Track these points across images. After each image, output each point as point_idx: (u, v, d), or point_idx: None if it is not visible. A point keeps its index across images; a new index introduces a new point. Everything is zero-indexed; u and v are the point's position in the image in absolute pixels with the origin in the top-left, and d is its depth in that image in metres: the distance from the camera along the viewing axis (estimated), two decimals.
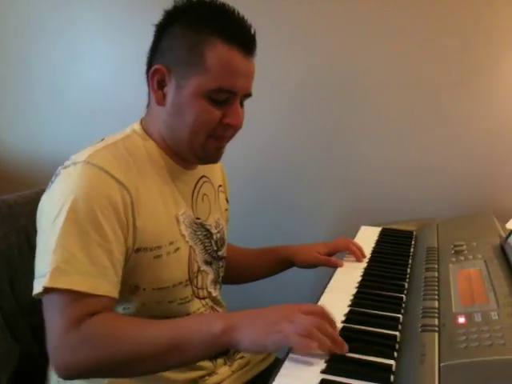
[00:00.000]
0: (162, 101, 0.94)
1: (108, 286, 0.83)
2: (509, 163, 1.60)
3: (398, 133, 1.69)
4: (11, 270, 1.05)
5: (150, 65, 0.97)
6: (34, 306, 1.06)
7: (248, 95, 0.96)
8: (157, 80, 0.93)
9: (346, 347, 0.76)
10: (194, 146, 0.94)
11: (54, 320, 0.79)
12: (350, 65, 1.69)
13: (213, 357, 1.03)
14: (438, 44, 1.60)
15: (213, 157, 0.99)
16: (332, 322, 0.80)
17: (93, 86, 1.97)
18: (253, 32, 0.93)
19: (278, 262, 1.28)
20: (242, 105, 0.97)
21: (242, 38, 0.91)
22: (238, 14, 0.93)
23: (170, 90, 0.92)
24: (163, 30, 0.94)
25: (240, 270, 1.24)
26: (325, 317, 0.79)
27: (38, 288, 0.81)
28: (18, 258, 1.06)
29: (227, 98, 0.92)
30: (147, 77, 0.97)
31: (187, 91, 0.90)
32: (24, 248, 1.08)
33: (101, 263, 0.82)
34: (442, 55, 1.60)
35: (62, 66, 1.99)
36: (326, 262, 1.23)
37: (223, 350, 0.78)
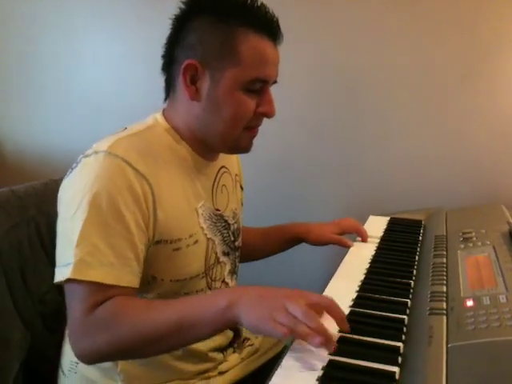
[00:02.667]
0: (195, 96, 0.92)
1: (131, 277, 0.83)
2: None
3: (406, 126, 1.69)
4: (22, 260, 1.05)
5: (170, 59, 0.95)
6: (45, 296, 1.08)
7: (275, 82, 0.97)
8: (190, 75, 0.91)
9: (334, 347, 0.73)
10: (230, 138, 0.95)
11: (75, 307, 0.80)
12: (364, 61, 1.69)
13: (223, 348, 1.04)
14: (442, 41, 1.60)
15: (246, 147, 0.99)
16: (337, 314, 0.78)
17: (97, 84, 1.98)
18: (277, 20, 0.93)
19: (288, 240, 1.30)
20: None
21: (270, 26, 0.92)
22: (260, 2, 0.93)
23: (204, 84, 0.91)
24: (185, 23, 0.93)
25: (249, 248, 1.24)
26: (331, 308, 0.78)
27: (60, 277, 0.81)
28: (28, 248, 1.07)
29: (260, 88, 0.92)
30: (168, 71, 0.96)
31: (223, 84, 0.90)
32: (34, 238, 1.09)
33: (124, 254, 0.82)
34: (446, 52, 1.61)
35: (65, 64, 2.00)
36: (339, 242, 1.26)
37: (233, 325, 0.78)
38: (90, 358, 0.82)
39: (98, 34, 1.95)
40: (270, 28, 0.92)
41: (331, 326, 0.77)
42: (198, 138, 0.96)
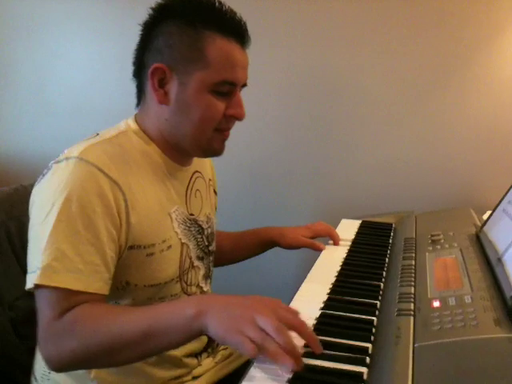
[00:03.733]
0: (164, 99, 0.93)
1: (99, 284, 0.83)
2: (487, 158, 1.65)
3: (378, 132, 1.72)
4: None
5: (140, 64, 0.96)
6: (15, 302, 1.07)
7: (244, 85, 0.98)
8: (157, 79, 0.92)
9: (301, 364, 0.71)
10: (200, 140, 0.95)
11: (43, 313, 0.80)
12: (336, 65, 1.71)
13: (198, 353, 1.05)
14: (414, 47, 1.64)
15: (218, 150, 0.99)
16: (309, 337, 0.75)
17: (72, 87, 1.97)
18: (244, 24, 0.95)
19: (261, 244, 1.31)
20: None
21: (237, 30, 0.93)
22: (227, 6, 0.94)
23: (173, 87, 0.92)
24: (153, 27, 0.94)
25: (223, 252, 1.25)
26: (302, 330, 0.75)
27: (29, 284, 0.81)
28: None
29: (229, 90, 0.93)
30: (139, 76, 0.97)
31: (191, 87, 0.91)
32: (4, 244, 1.08)
33: (92, 261, 0.82)
34: (418, 58, 1.64)
35: (41, 67, 1.99)
36: (311, 245, 1.28)
37: (200, 334, 0.76)
38: (57, 364, 0.80)
39: (73, 36, 1.94)
40: (237, 31, 0.93)
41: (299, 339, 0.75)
42: (169, 143, 0.97)
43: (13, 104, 2.05)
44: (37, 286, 0.79)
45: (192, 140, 0.95)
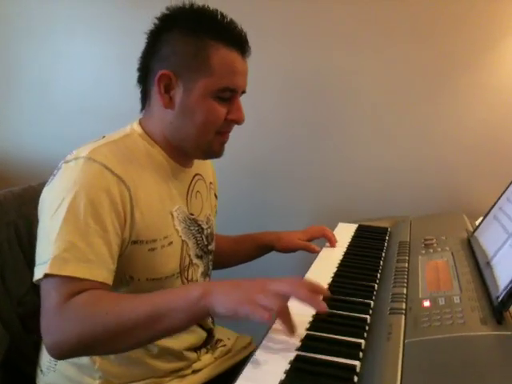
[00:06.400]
0: (169, 104, 0.98)
1: (106, 274, 0.87)
2: (481, 165, 1.68)
3: (376, 137, 1.76)
4: (1, 263, 1.08)
5: (145, 70, 1.01)
6: (23, 297, 1.11)
7: (244, 92, 1.03)
8: (163, 84, 0.97)
9: (294, 333, 0.80)
10: (202, 143, 1.01)
11: (50, 298, 0.83)
12: (334, 68, 1.75)
13: (197, 347, 1.09)
14: (408, 53, 1.67)
15: (218, 152, 1.05)
16: (312, 288, 0.84)
17: (76, 87, 2.01)
18: (245, 35, 1.01)
19: (259, 248, 1.35)
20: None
21: (239, 40, 0.99)
22: (229, 18, 1.00)
23: (178, 93, 0.97)
24: (159, 36, 0.99)
25: (221, 255, 1.28)
26: (300, 285, 0.82)
27: (38, 274, 0.84)
28: (8, 251, 1.10)
29: (230, 96, 0.99)
30: (144, 82, 1.02)
31: (196, 93, 0.96)
32: (13, 242, 1.12)
33: (102, 252, 0.87)
34: (411, 65, 1.68)
35: (45, 68, 2.03)
36: (306, 247, 1.33)
37: (205, 316, 0.81)
38: (60, 350, 0.82)
39: (77, 37, 1.98)
40: (238, 42, 0.99)
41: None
42: (172, 145, 1.02)
43: (17, 105, 2.08)
44: (46, 276, 0.83)
45: (194, 142, 1.01)
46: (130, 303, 0.83)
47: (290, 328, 0.79)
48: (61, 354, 0.83)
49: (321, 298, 0.85)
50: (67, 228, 0.85)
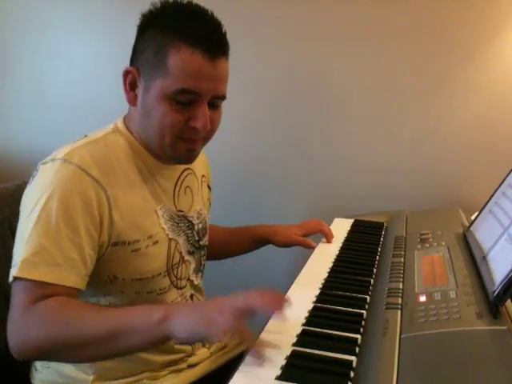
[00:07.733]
0: (133, 102, 0.97)
1: (75, 278, 0.86)
2: (476, 160, 1.68)
3: (372, 133, 1.76)
4: None
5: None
6: None
7: (220, 97, 0.96)
8: (129, 81, 0.96)
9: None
10: (163, 146, 0.97)
11: (17, 299, 0.82)
12: (329, 66, 1.75)
13: None
14: (401, 51, 1.67)
15: (184, 158, 1.00)
16: (269, 296, 0.79)
17: (71, 86, 2.00)
18: (222, 34, 0.94)
19: (254, 241, 1.35)
20: (216, 107, 0.97)
21: (207, 41, 0.91)
22: (211, 16, 0.95)
23: (140, 91, 0.95)
24: (139, 33, 0.97)
25: (212, 247, 1.26)
26: (255, 296, 0.78)
27: (10, 277, 0.84)
28: (2, 248, 1.09)
29: (192, 100, 0.92)
30: None
31: (152, 93, 0.92)
32: (7, 238, 1.11)
33: (70, 256, 0.86)
34: (405, 62, 1.68)
35: (39, 66, 2.01)
36: (303, 243, 1.32)
37: (164, 340, 0.79)
38: (21, 351, 0.82)
39: (71, 35, 1.96)
40: (207, 43, 0.91)
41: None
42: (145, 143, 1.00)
43: (11, 102, 2.07)
44: (14, 279, 0.83)
45: (156, 144, 0.97)
46: (93, 316, 0.82)
47: (251, 344, 0.77)
48: (22, 355, 0.83)
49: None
50: (38, 231, 0.84)
